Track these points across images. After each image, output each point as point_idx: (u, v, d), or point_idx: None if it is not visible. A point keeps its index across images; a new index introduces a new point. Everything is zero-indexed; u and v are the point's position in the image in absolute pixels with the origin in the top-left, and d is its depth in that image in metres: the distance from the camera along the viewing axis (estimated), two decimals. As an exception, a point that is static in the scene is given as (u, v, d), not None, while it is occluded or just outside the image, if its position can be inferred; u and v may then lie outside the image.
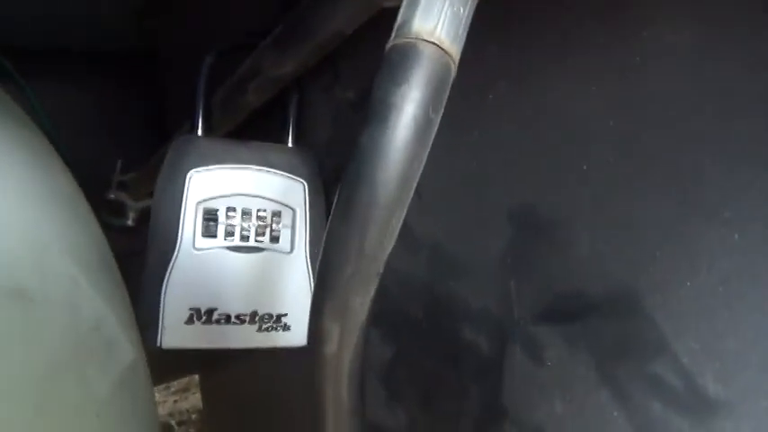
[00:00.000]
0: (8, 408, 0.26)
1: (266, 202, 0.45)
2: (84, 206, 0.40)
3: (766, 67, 0.20)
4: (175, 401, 1.86)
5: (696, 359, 0.24)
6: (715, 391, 0.23)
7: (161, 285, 0.42)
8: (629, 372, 0.26)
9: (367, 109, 0.21)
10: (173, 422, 1.77)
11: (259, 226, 0.45)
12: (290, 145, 0.49)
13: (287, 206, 0.46)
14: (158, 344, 0.42)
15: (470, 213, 0.35)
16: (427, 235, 0.39)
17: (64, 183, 0.39)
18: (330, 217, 0.22)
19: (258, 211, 0.45)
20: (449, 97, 0.34)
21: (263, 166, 0.45)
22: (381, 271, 0.23)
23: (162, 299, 0.42)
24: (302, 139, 0.50)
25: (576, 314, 0.29)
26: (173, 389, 1.89)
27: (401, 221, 0.22)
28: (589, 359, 0.28)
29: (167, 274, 0.42)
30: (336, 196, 0.22)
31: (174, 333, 0.42)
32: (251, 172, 0.45)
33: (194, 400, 1.69)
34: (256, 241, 0.45)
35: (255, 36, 0.46)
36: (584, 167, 0.27)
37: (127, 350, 0.38)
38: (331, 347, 0.24)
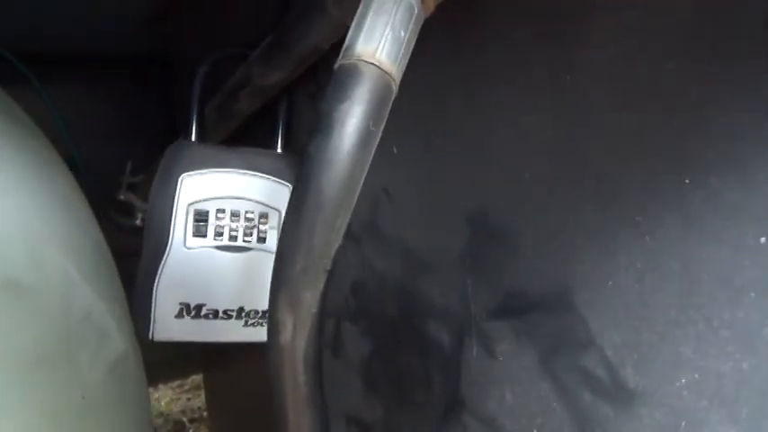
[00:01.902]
0: None
1: (254, 204, 0.48)
2: (81, 204, 0.43)
3: (677, 86, 0.23)
4: (188, 399, 1.90)
5: (618, 352, 0.26)
6: (634, 382, 0.25)
7: (153, 281, 0.45)
8: (565, 365, 0.28)
9: (317, 122, 0.24)
10: (185, 419, 1.81)
11: (247, 227, 0.48)
12: (279, 150, 0.52)
13: (273, 208, 0.49)
14: (150, 336, 0.45)
15: (434, 217, 0.37)
16: (399, 237, 0.41)
17: (62, 181, 0.42)
18: (283, 218, 0.25)
19: (246, 212, 0.48)
20: (411, 110, 0.37)
21: (252, 170, 0.48)
22: (329, 267, 0.25)
23: (154, 294, 0.45)
24: (291, 144, 0.53)
25: (522, 311, 0.31)
26: (186, 387, 1.93)
27: (346, 223, 0.25)
28: (533, 353, 0.30)
29: (159, 271, 0.45)
30: (289, 200, 0.25)
31: (165, 326, 0.45)
32: (240, 176, 0.48)
33: (206, 398, 1.71)
34: (244, 241, 0.48)
35: (247, 47, 0.49)
36: (527, 176, 0.29)
37: (119, 341, 0.41)
38: (285, 337, 0.26)
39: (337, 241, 0.25)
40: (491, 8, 0.31)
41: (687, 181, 0.22)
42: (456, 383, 0.36)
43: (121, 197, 0.97)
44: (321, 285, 0.26)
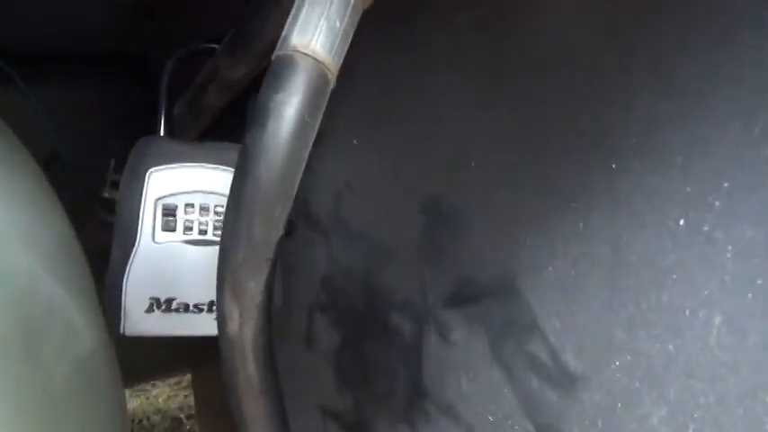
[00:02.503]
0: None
1: (223, 198, 0.48)
2: (48, 200, 0.43)
3: (606, 74, 0.23)
4: (185, 396, 1.91)
5: (559, 337, 0.26)
6: (574, 365, 0.26)
7: (123, 276, 0.45)
8: (513, 350, 0.29)
9: (253, 113, 0.24)
10: (182, 416, 1.82)
11: (216, 221, 0.48)
12: (249, 145, 0.52)
13: (244, 202, 0.49)
14: (121, 331, 0.46)
15: (392, 208, 0.37)
16: (362, 230, 0.41)
17: (28, 178, 0.42)
18: (225, 209, 0.25)
19: (216, 206, 0.48)
20: (366, 101, 0.37)
21: (220, 164, 0.48)
22: (272, 257, 0.25)
23: (124, 289, 0.45)
24: (262, 138, 0.53)
25: (474, 298, 0.31)
26: (183, 384, 1.94)
27: (287, 212, 0.25)
28: (485, 339, 0.31)
29: (128, 266, 0.45)
30: (229, 191, 0.25)
31: (136, 321, 0.46)
32: (208, 170, 0.48)
33: (204, 395, 1.72)
34: (214, 235, 0.48)
35: (216, 42, 0.49)
36: (473, 164, 0.30)
37: (86, 336, 0.41)
38: (233, 328, 0.27)
39: (278, 231, 0.25)
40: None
41: (614, 166, 0.22)
42: (418, 372, 0.37)
43: (106, 194, 0.97)
44: (264, 275, 0.26)
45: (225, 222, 0.25)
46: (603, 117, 0.23)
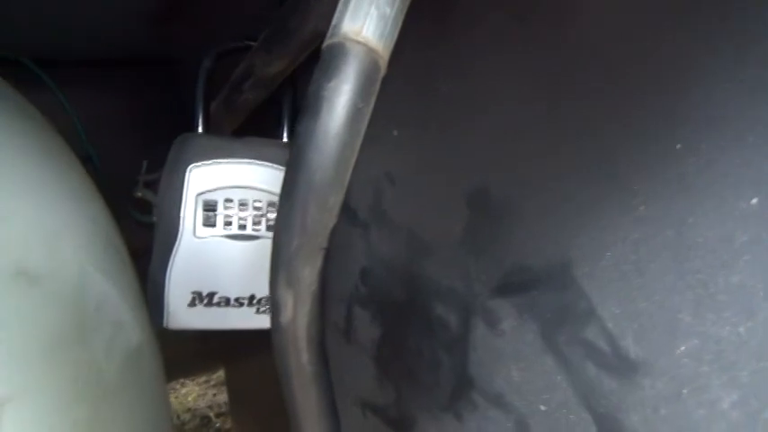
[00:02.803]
0: (13, 378, 0.30)
1: (262, 193, 0.49)
2: (95, 200, 0.44)
3: (663, 54, 0.22)
4: (214, 395, 1.93)
5: (618, 323, 0.25)
6: (635, 352, 0.25)
7: (165, 271, 0.46)
8: (567, 338, 0.28)
9: (305, 102, 0.24)
10: (211, 414, 1.84)
11: (255, 215, 0.48)
12: (284, 139, 0.52)
13: (281, 197, 0.49)
14: (165, 325, 0.46)
15: (436, 198, 0.37)
16: (404, 221, 0.41)
17: (76, 178, 0.43)
18: (279, 199, 0.25)
19: (254, 201, 0.48)
20: (408, 92, 0.37)
21: (258, 159, 0.48)
22: (325, 245, 0.25)
23: (166, 284, 0.46)
24: (297, 133, 0.53)
25: (523, 287, 0.31)
26: (211, 383, 1.97)
27: (340, 201, 0.25)
28: (536, 328, 0.30)
29: (171, 261, 0.46)
30: (282, 181, 0.25)
31: (179, 315, 0.46)
32: (246, 165, 0.48)
33: (231, 393, 1.74)
34: (253, 230, 0.48)
35: (249, 39, 0.50)
36: (523, 153, 0.29)
37: (134, 331, 0.42)
38: (287, 315, 0.27)
39: (332, 219, 0.25)
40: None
41: (678, 147, 0.22)
42: (464, 363, 0.36)
43: (139, 194, 0.99)
44: (318, 263, 0.26)
45: (279, 211, 0.25)
46: (666, 98, 0.22)
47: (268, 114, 0.57)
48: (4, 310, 0.29)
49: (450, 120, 0.34)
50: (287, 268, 0.26)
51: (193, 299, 0.46)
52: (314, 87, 0.24)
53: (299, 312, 0.27)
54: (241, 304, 0.47)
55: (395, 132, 0.39)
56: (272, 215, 0.49)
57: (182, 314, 0.46)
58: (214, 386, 1.97)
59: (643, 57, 0.23)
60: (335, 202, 0.25)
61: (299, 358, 0.28)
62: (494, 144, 0.31)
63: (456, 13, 0.32)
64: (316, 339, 0.28)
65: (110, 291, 0.40)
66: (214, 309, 0.47)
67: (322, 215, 0.25)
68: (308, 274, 0.26)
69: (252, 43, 0.48)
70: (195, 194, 0.46)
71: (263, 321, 0.48)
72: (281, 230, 0.25)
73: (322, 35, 0.41)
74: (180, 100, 1.06)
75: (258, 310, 0.48)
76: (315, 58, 0.47)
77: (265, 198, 0.48)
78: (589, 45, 0.25)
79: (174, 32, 0.87)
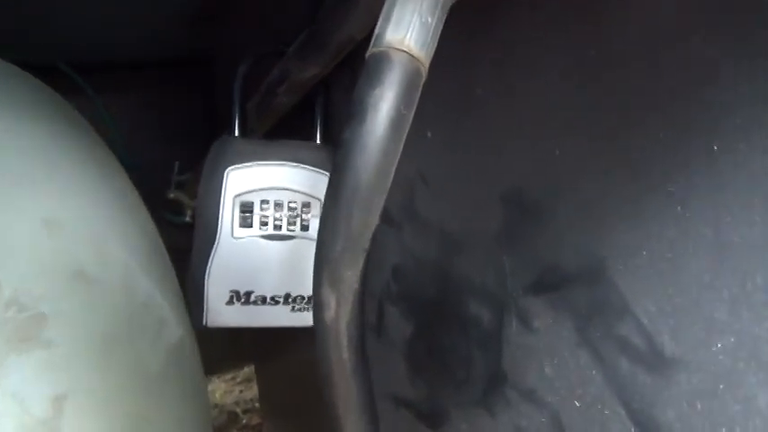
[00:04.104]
0: (73, 376, 0.32)
1: (296, 194, 0.50)
2: (137, 202, 0.46)
3: (701, 55, 0.23)
4: (241, 391, 1.96)
5: (653, 320, 0.26)
6: (670, 348, 0.26)
7: (205, 271, 0.47)
8: (601, 334, 0.29)
9: (350, 109, 0.25)
10: (238, 410, 1.87)
11: (290, 216, 0.50)
12: (317, 141, 0.54)
13: (315, 197, 0.51)
14: (204, 323, 0.48)
15: (469, 198, 0.38)
16: (436, 220, 0.42)
17: (119, 182, 0.45)
18: (323, 203, 0.26)
19: (289, 202, 0.50)
20: (442, 94, 0.38)
21: (293, 161, 0.50)
22: (368, 247, 0.27)
23: (206, 282, 0.47)
24: (329, 135, 0.55)
25: (557, 284, 0.32)
26: (238, 379, 2.00)
27: (382, 204, 0.26)
28: (570, 325, 0.31)
29: (210, 261, 0.47)
30: (327, 185, 0.26)
31: (217, 313, 0.48)
32: (282, 167, 0.50)
33: (259, 389, 1.76)
34: (288, 230, 0.50)
35: (284, 44, 0.51)
36: (557, 152, 0.30)
37: (175, 328, 0.44)
38: (329, 314, 0.28)
39: (374, 222, 0.26)
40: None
41: (716, 147, 0.22)
42: (497, 359, 0.37)
43: (171, 195, 1.01)
44: (361, 264, 0.27)
45: (323, 214, 0.27)
46: (702, 99, 0.23)
47: (300, 117, 0.58)
48: (67, 309, 0.30)
49: (485, 120, 0.35)
50: (331, 269, 0.27)
51: (231, 297, 0.48)
52: (359, 94, 0.25)
53: (341, 311, 0.28)
54: (277, 302, 0.49)
55: (428, 134, 0.40)
56: (307, 216, 0.50)
57: (220, 312, 0.48)
58: (240, 383, 1.99)
59: (686, 58, 0.24)
60: (379, 204, 0.26)
61: (341, 353, 0.29)
62: (530, 145, 0.32)
63: (495, 18, 0.33)
64: (356, 336, 0.29)
65: (153, 290, 0.42)
66: (251, 307, 0.48)
67: (366, 219, 0.26)
68: (351, 275, 0.27)
69: (287, 48, 0.49)
70: (233, 196, 0.48)
71: (298, 319, 0.50)
72: (325, 233, 0.27)
73: (355, 42, 0.43)
74: (211, 103, 1.09)
75: (293, 308, 0.49)
76: (347, 63, 0.48)
77: (300, 199, 0.50)
78: (630, 44, 0.26)
79: (210, 35, 0.89)
